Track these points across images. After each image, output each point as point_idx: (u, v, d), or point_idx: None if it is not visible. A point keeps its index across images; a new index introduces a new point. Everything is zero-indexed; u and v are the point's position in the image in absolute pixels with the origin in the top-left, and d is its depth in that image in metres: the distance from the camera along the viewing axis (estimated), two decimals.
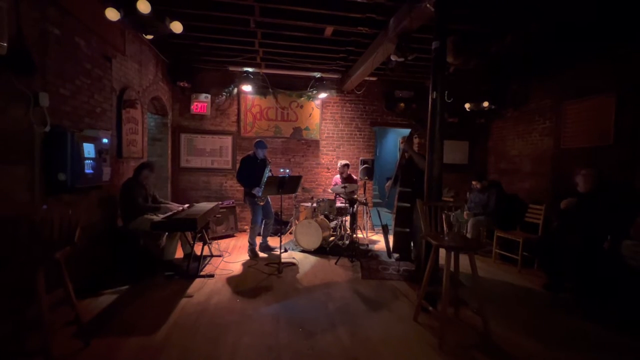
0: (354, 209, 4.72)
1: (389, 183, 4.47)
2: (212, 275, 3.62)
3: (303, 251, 4.71)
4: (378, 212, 5.69)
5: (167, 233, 3.78)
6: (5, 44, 2.04)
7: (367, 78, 5.63)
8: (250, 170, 4.39)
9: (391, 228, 4.42)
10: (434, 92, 2.99)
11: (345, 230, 5.12)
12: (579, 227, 3.41)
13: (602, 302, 3.10)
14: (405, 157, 4.19)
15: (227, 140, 5.99)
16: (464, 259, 2.66)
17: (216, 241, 5.05)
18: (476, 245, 3.37)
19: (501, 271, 4.15)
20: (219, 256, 4.33)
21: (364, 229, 5.91)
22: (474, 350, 2.36)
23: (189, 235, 4.04)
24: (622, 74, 3.87)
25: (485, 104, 5.42)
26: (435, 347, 2.35)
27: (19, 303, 2.25)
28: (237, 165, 4.84)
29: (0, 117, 2.19)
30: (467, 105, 5.59)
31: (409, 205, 4.03)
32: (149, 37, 3.64)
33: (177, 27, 3.20)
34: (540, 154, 5.08)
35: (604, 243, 3.05)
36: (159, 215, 3.59)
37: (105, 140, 3.26)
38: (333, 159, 6.28)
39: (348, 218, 5.03)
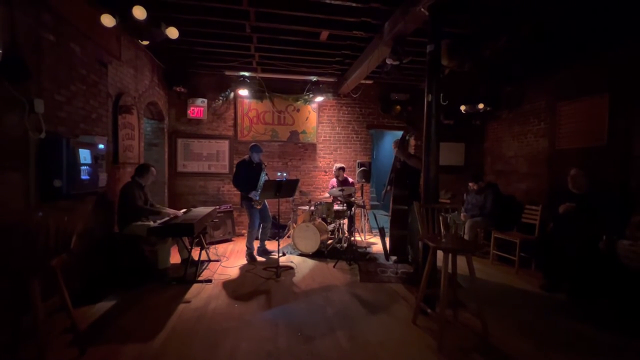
0: (352, 212, 4.72)
1: (387, 188, 4.47)
2: (209, 280, 3.60)
3: (301, 255, 4.70)
4: (374, 214, 5.70)
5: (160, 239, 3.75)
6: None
7: (363, 81, 5.66)
8: (246, 174, 4.38)
9: (388, 230, 4.43)
10: (430, 95, 3.01)
11: (343, 233, 5.11)
12: (575, 228, 3.44)
13: (599, 303, 3.12)
14: (399, 160, 4.21)
15: (224, 145, 5.98)
16: (461, 261, 2.67)
17: (214, 246, 5.03)
18: (473, 247, 3.39)
19: (499, 272, 4.16)
20: (217, 261, 4.31)
21: (362, 232, 5.91)
22: (473, 352, 2.36)
23: (186, 240, 4.02)
24: (615, 75, 3.92)
25: (481, 105, 5.47)
26: (434, 349, 2.35)
27: (14, 311, 2.22)
28: (234, 170, 4.83)
29: None
30: (462, 107, 5.64)
31: (405, 207, 4.04)
32: (145, 42, 3.64)
33: (172, 32, 3.21)
34: (536, 155, 5.12)
35: (599, 243, 3.07)
36: (152, 220, 3.58)
37: (101, 146, 3.25)
38: (330, 162, 6.29)
39: (346, 221, 5.03)
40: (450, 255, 2.51)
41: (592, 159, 4.12)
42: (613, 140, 3.92)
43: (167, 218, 3.65)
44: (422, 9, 2.92)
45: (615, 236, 2.98)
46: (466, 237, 4.56)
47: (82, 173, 2.86)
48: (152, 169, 3.85)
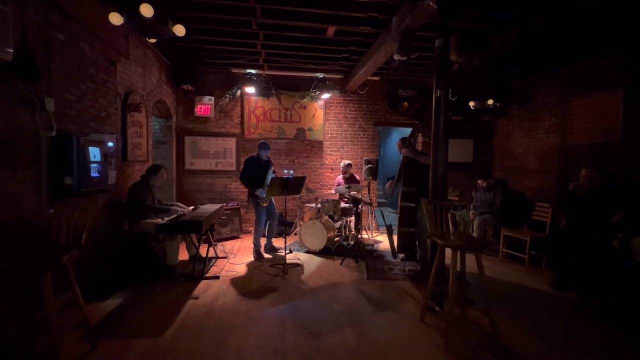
0: (359, 209, 4.70)
1: (389, 183, 4.44)
2: (217, 277, 3.63)
3: (308, 252, 4.70)
4: (382, 212, 5.67)
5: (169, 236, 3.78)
6: (11, 50, 2.06)
7: (370, 78, 5.61)
8: (253, 171, 4.39)
9: (395, 228, 4.40)
10: (438, 91, 2.97)
11: (350, 230, 5.10)
12: (588, 225, 3.37)
13: (611, 301, 3.05)
14: (407, 157, 4.17)
15: (231, 142, 6.01)
16: (470, 259, 2.64)
17: (221, 243, 5.06)
18: (482, 244, 3.35)
19: (508, 270, 4.10)
20: (224, 258, 4.34)
21: (369, 229, 5.89)
22: (482, 350, 2.34)
23: (194, 237, 4.06)
24: (630, 68, 3.80)
25: (490, 101, 5.38)
26: (442, 347, 2.33)
27: (27, 306, 2.27)
28: (241, 167, 4.85)
29: (7, 123, 2.22)
30: (471, 103, 5.55)
31: (413, 205, 4.01)
32: (152, 40, 3.67)
33: (179, 30, 3.22)
34: (547, 151, 5.02)
35: (613, 241, 3.00)
36: (163, 217, 3.61)
37: (110, 144, 3.29)
38: (337, 159, 6.27)
39: (353, 218, 5.02)
40: (458, 252, 2.48)
41: (606, 155, 4.02)
42: (628, 135, 3.82)
43: (175, 215, 3.68)
44: (431, 3, 2.87)
45: (631, 234, 2.91)
46: (475, 234, 4.51)
47: (92, 171, 2.89)
48: (163, 170, 3.86)
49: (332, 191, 5.39)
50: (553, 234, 4.01)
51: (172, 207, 3.89)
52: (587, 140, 4.36)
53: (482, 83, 5.54)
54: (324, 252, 4.64)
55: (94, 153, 2.94)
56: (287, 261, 3.97)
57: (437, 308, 2.65)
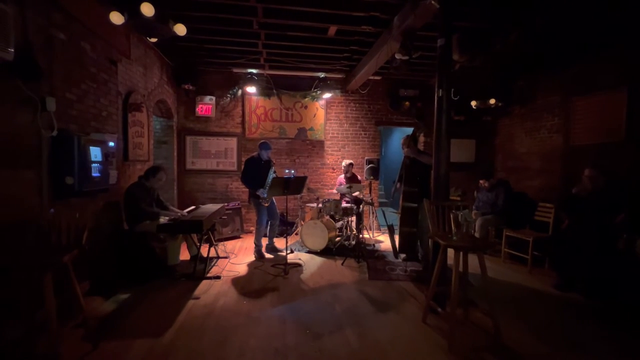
0: (360, 209, 4.69)
1: (396, 186, 4.42)
2: (218, 277, 3.62)
3: (309, 252, 4.69)
4: (383, 212, 5.65)
5: (170, 236, 3.75)
6: (12, 50, 2.06)
7: (371, 77, 5.60)
8: (254, 171, 4.39)
9: (397, 228, 4.38)
10: (440, 90, 2.95)
11: (351, 230, 5.09)
12: (591, 226, 3.34)
13: (615, 303, 3.03)
14: (409, 157, 4.15)
15: (232, 142, 6.00)
16: (472, 259, 2.62)
17: (222, 243, 5.06)
18: (485, 245, 3.33)
19: (511, 271, 4.08)
20: (225, 258, 4.34)
21: (370, 229, 5.88)
22: (484, 352, 2.32)
23: (195, 237, 4.05)
24: (634, 67, 3.77)
25: (492, 101, 5.35)
26: (445, 349, 2.32)
27: (28, 306, 2.27)
28: (242, 167, 4.84)
29: (9, 123, 2.21)
30: (473, 103, 5.53)
31: (414, 205, 3.99)
32: (153, 40, 3.66)
33: (180, 29, 3.22)
34: (549, 151, 4.99)
35: (617, 241, 2.98)
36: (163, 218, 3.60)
37: (111, 144, 3.28)
38: (338, 159, 6.26)
39: (354, 218, 5.00)
40: (461, 253, 2.47)
41: (609, 155, 3.99)
42: (632, 135, 3.79)
43: (174, 216, 3.67)
44: (433, 2, 2.85)
45: (636, 234, 2.89)
46: (477, 235, 4.49)
47: (93, 170, 2.89)
48: (162, 173, 3.74)
49: (334, 191, 5.38)
50: (556, 234, 3.99)
51: (164, 212, 3.77)
52: (590, 140, 4.33)
53: (484, 83, 5.51)
54: (325, 252, 4.63)
55: (95, 153, 2.94)
56: (288, 261, 3.96)
57: (439, 309, 2.64)
